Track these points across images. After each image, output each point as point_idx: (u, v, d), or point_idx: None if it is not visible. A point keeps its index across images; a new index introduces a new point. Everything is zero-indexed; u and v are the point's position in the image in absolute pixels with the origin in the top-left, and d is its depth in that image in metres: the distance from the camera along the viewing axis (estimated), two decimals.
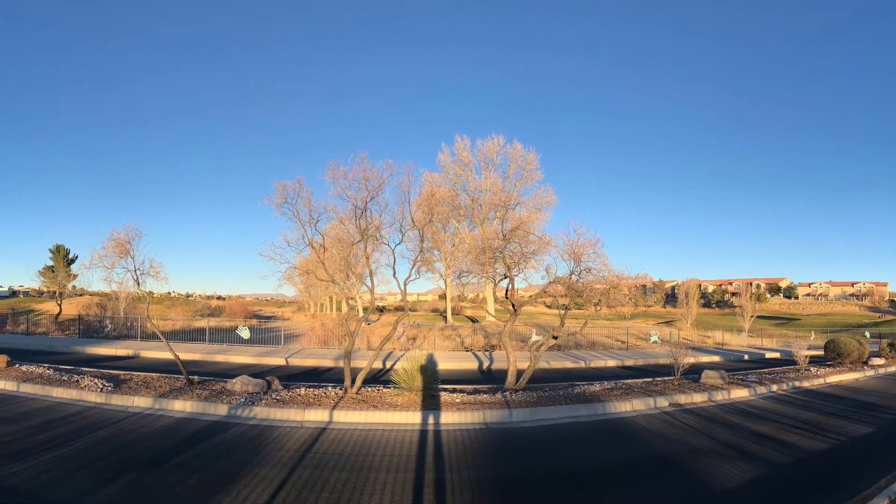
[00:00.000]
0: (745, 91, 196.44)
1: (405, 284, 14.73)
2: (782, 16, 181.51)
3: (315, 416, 11.32)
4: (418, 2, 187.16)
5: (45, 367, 15.86)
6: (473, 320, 66.49)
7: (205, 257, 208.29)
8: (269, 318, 69.75)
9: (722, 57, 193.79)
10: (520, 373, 15.53)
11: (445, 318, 60.93)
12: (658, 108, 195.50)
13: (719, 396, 15.31)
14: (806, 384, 18.54)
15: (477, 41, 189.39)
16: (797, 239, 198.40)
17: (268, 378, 14.18)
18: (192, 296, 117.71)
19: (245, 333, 25.79)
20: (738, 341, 44.09)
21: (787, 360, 26.40)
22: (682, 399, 14.51)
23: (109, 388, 13.01)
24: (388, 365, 21.07)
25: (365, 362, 14.82)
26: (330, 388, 13.73)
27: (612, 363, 25.17)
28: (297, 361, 21.84)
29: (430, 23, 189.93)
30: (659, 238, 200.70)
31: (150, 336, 28.55)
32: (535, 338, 27.34)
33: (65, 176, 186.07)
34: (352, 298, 41.39)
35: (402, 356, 21.37)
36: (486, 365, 22.85)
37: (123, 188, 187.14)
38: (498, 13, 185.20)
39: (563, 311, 15.90)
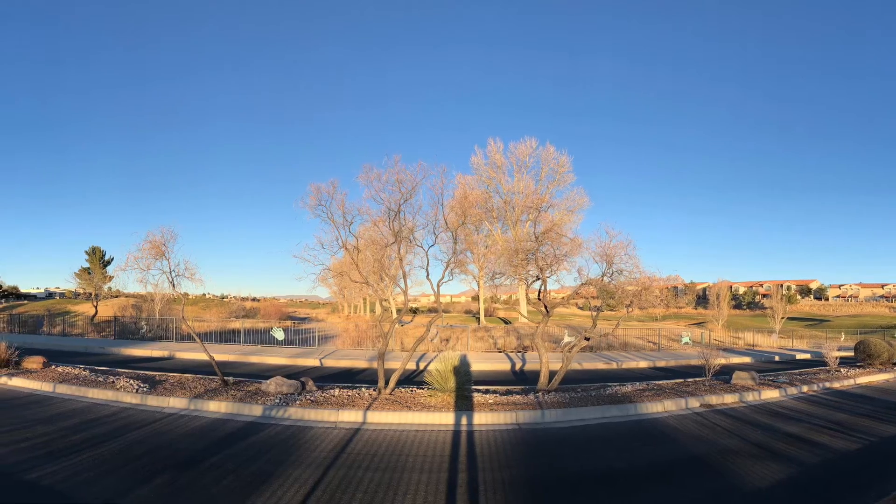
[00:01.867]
0: (774, 94, 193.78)
1: (438, 286, 14.71)
2: (810, 18, 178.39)
3: (349, 416, 11.34)
4: (449, 5, 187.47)
5: (80, 368, 16.19)
6: (506, 322, 66.30)
7: (240, 259, 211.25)
8: (303, 319, 70.36)
9: (752, 60, 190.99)
10: (552, 374, 15.44)
11: (478, 319, 60.85)
12: (688, 111, 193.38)
13: (750, 397, 15.20)
14: (836, 385, 18.37)
15: (509, 44, 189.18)
16: (827, 241, 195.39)
17: (302, 379, 14.26)
18: (226, 297, 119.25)
19: (279, 335, 26.03)
20: (769, 343, 43.77)
21: (818, 362, 26.30)
22: (714, 400, 14.38)
23: (145, 389, 13.21)
24: (422, 366, 21.08)
25: (398, 363, 14.84)
26: (364, 389, 13.78)
27: (643, 364, 25.03)
28: (330, 363, 21.96)
29: (461, 26, 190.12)
30: (690, 240, 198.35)
31: (185, 337, 28.98)
32: (567, 339, 27.19)
33: (101, 178, 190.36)
34: (385, 300, 41.54)
35: (435, 357, 21.35)
36: (518, 366, 22.75)
37: (159, 190, 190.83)
38: (528, 17, 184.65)
39: (595, 313, 15.87)
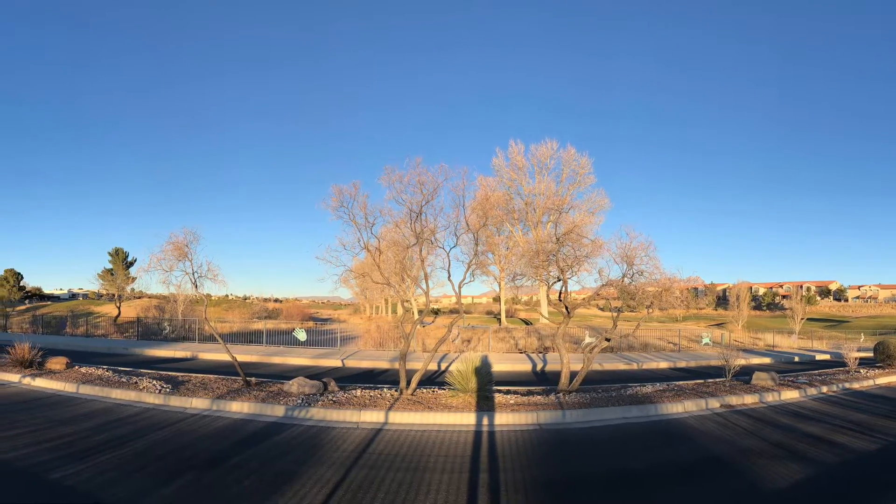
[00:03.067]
0: (793, 95, 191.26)
1: (460, 287, 14.72)
2: (834, 21, 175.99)
3: (371, 417, 11.38)
4: (468, 8, 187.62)
5: (103, 368, 16.39)
6: (527, 322, 66.14)
7: (262, 260, 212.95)
8: (325, 320, 70.71)
9: (772, 61, 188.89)
10: (573, 374, 15.41)
11: (499, 320, 60.84)
12: (708, 112, 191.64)
13: (770, 398, 15.13)
14: (856, 385, 18.32)
15: (529, 46, 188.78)
16: (847, 242, 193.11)
17: (324, 380, 14.34)
18: (249, 298, 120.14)
19: (302, 336, 26.20)
20: (789, 343, 43.56)
21: (837, 362, 26.27)
22: (734, 400, 14.32)
23: (168, 390, 13.36)
24: (443, 367, 21.10)
25: (420, 364, 14.86)
26: (385, 390, 13.83)
27: (664, 365, 24.99)
28: (352, 363, 22.06)
29: (482, 28, 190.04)
30: (711, 241, 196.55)
31: (208, 338, 29.27)
32: (588, 340, 27.09)
33: (123, 180, 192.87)
34: (407, 301, 41.65)
35: (456, 358, 21.36)
36: (539, 367, 22.71)
37: (182, 192, 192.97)
38: (548, 18, 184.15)
39: (615, 314, 15.89)
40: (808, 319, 70.35)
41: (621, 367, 23.65)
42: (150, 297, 69.27)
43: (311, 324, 53.59)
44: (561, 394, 13.87)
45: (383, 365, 21.57)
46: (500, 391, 13.94)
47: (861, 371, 21.05)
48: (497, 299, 76.07)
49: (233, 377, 15.37)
